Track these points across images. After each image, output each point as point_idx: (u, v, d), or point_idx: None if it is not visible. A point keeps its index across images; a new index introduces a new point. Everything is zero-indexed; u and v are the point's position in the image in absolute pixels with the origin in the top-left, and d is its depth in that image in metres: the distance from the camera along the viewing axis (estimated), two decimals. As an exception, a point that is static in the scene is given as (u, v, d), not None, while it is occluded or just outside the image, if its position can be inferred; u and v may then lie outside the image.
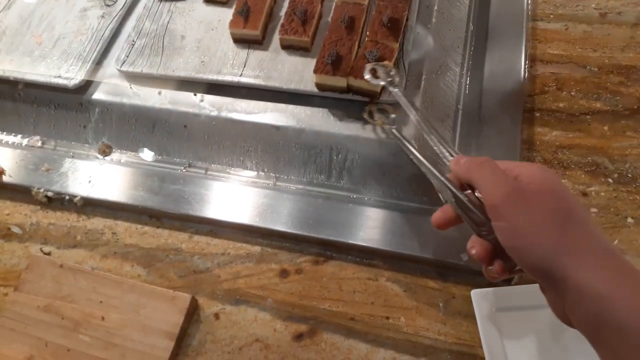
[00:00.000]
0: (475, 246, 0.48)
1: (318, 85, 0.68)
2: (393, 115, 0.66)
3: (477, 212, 0.48)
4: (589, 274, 0.39)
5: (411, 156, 0.59)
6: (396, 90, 0.63)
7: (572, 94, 0.72)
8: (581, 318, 0.40)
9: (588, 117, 0.69)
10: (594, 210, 0.62)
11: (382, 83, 0.63)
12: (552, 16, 0.79)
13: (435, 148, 0.56)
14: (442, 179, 0.52)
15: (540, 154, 0.67)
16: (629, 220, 0.61)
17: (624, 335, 0.37)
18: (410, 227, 0.63)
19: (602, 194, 0.63)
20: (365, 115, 0.66)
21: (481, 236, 0.48)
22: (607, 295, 0.38)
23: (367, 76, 0.64)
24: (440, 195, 0.53)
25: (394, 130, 0.64)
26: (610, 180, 0.64)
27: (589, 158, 0.66)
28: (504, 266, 0.47)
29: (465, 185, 0.50)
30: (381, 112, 0.67)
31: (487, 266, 0.48)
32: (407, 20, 0.72)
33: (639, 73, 0.72)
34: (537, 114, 0.70)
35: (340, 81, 0.67)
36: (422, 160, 0.57)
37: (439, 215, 0.52)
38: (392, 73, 0.64)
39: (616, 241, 0.60)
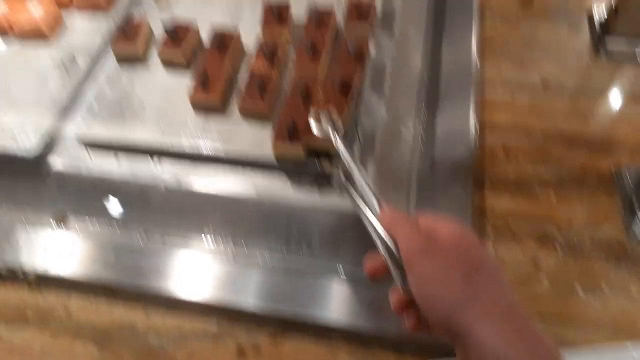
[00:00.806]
0: (393, 294, 0.50)
1: (276, 155, 0.70)
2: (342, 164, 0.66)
3: (400, 264, 0.50)
4: (490, 332, 0.41)
5: (352, 203, 0.60)
6: (337, 136, 0.63)
7: (520, 161, 0.75)
8: None
9: (535, 184, 0.72)
10: (544, 280, 0.64)
11: (326, 128, 0.64)
12: (498, 85, 0.83)
13: (366, 198, 0.57)
14: (375, 226, 0.54)
15: (490, 222, 0.69)
16: (578, 289, 0.63)
17: None
18: (368, 300, 0.63)
19: (552, 262, 0.66)
20: (316, 161, 0.68)
21: (403, 289, 0.50)
22: (505, 358, 0.39)
23: (311, 120, 0.65)
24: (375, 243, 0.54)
25: (340, 175, 0.63)
26: (559, 248, 0.67)
27: (538, 226, 0.69)
28: (418, 318, 0.49)
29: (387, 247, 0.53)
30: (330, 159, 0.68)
31: (401, 316, 0.50)
32: (360, 92, 0.74)
33: (581, 141, 0.76)
34: (487, 182, 0.73)
35: (297, 150, 0.68)
36: (361, 207, 0.57)
37: (369, 263, 0.53)
38: (334, 117, 0.66)
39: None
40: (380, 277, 0.53)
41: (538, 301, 0.63)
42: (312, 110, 0.67)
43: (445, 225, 0.49)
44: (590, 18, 0.92)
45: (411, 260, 0.47)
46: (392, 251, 0.52)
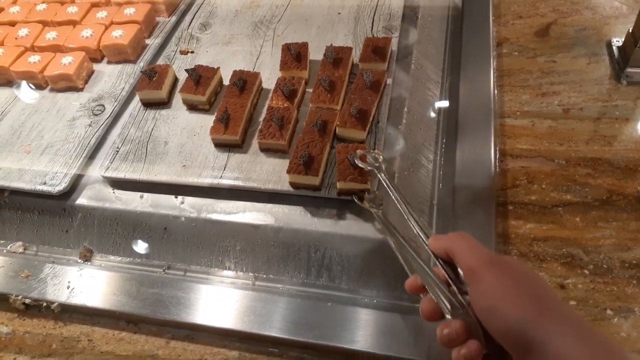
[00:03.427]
0: (448, 325, 0.47)
1: (292, 184, 0.71)
2: (381, 201, 0.68)
3: (453, 287, 0.50)
4: (570, 345, 0.40)
5: (393, 240, 0.61)
6: (382, 175, 0.66)
7: (543, 186, 0.74)
8: None
9: (560, 209, 0.71)
10: (572, 302, 0.62)
11: (369, 168, 0.67)
12: (518, 113, 0.83)
13: (414, 230, 0.58)
14: (422, 265, 0.55)
15: (515, 247, 0.68)
16: (609, 312, 0.61)
17: None
18: (391, 325, 0.62)
19: (580, 285, 0.63)
20: (355, 199, 0.68)
21: (454, 316, 0.48)
22: None
23: (357, 161, 0.67)
24: (421, 279, 0.54)
25: (380, 214, 0.66)
26: (587, 271, 0.64)
27: (564, 250, 0.67)
28: (479, 346, 0.46)
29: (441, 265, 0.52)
30: (370, 197, 0.68)
31: (460, 346, 0.47)
32: (378, 122, 0.75)
33: (604, 165, 0.74)
34: (511, 207, 0.72)
35: (312, 180, 0.69)
36: (405, 245, 0.59)
37: (424, 306, 0.52)
38: (380, 159, 0.68)
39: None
40: (437, 317, 0.51)
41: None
42: (358, 152, 0.68)
43: (509, 257, 0.49)
44: (609, 47, 0.92)
45: (476, 270, 0.46)
46: (447, 271, 0.52)
